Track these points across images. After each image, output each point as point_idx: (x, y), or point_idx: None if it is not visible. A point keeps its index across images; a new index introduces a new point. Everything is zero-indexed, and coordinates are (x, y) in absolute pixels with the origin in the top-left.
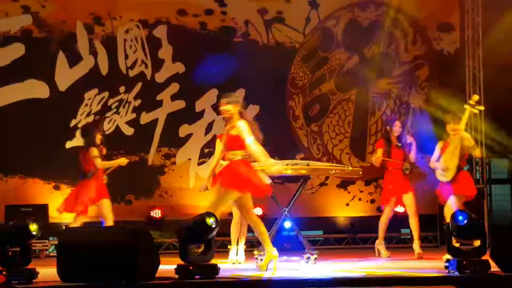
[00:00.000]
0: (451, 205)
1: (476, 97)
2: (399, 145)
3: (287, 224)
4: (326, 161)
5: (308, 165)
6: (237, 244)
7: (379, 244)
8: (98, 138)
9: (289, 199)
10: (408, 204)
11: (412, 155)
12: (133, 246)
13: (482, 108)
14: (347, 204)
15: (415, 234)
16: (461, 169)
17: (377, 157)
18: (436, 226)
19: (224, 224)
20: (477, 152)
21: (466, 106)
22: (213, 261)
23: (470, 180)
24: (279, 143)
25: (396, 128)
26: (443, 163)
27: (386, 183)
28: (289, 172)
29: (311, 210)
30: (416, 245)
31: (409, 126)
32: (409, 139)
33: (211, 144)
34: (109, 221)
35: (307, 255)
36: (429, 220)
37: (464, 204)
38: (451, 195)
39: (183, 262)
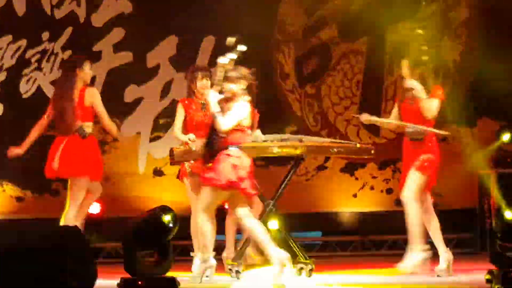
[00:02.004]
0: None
1: (230, 41)
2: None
3: (273, 224)
4: (326, 135)
5: (301, 141)
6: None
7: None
8: None
9: (275, 189)
10: None
11: None
12: (60, 253)
13: (236, 55)
14: (355, 195)
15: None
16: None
17: None
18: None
19: (186, 222)
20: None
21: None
22: (170, 274)
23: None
24: (262, 111)
25: None
26: None
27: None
28: (275, 151)
29: (306, 204)
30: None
31: None
32: None
33: (168, 113)
34: None
35: (299, 265)
36: (465, 216)
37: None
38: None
39: (129, 275)
